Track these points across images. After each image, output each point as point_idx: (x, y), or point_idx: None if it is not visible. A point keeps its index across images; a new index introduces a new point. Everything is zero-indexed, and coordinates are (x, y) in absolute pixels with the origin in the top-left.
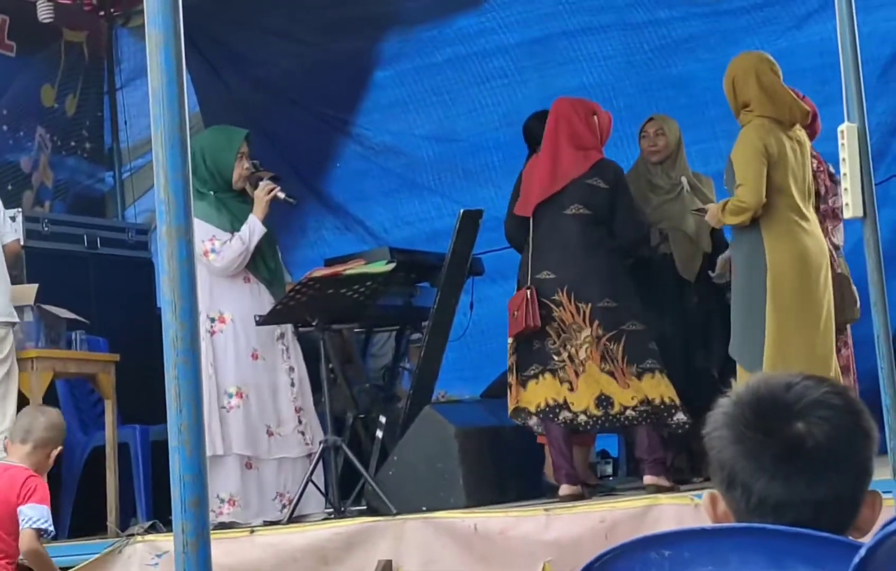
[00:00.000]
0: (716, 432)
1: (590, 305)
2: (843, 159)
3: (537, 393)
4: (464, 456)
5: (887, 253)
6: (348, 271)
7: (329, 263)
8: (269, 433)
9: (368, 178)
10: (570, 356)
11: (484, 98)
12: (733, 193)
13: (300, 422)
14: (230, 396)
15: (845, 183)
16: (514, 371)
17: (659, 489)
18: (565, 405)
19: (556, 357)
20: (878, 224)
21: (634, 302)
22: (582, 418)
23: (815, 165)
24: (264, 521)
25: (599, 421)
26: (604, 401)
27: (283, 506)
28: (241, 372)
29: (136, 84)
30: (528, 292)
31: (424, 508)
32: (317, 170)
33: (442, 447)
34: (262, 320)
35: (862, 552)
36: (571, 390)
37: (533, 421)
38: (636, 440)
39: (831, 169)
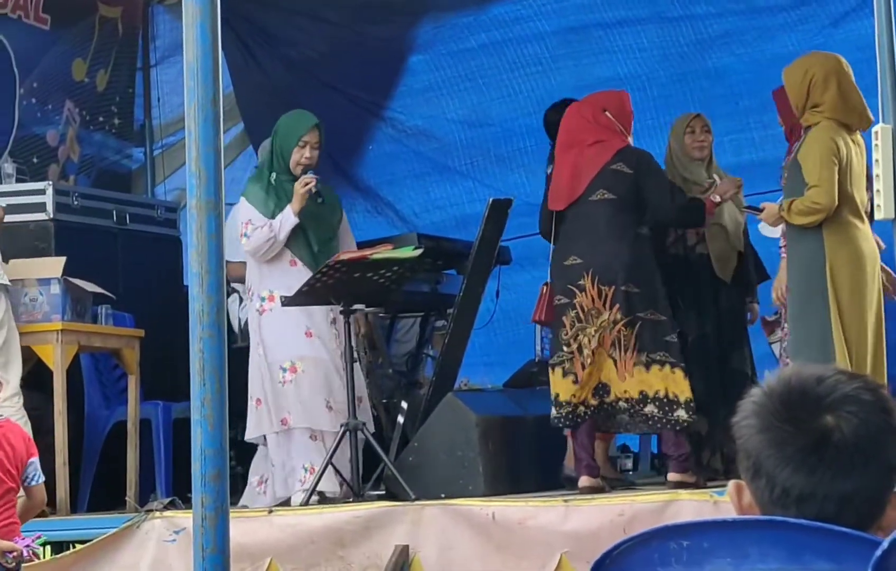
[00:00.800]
0: (744, 420)
1: (613, 288)
2: (877, 161)
3: (555, 384)
4: (484, 445)
5: None
6: (375, 256)
7: (358, 246)
8: (329, 408)
9: (400, 161)
10: (579, 347)
11: (518, 84)
12: (797, 193)
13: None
14: (284, 370)
15: (877, 184)
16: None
17: (681, 486)
18: (554, 403)
19: (564, 349)
20: None
21: (657, 292)
22: (581, 409)
23: None
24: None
25: (594, 411)
26: (600, 389)
27: (342, 483)
28: (295, 347)
29: (170, 61)
30: (545, 287)
31: (443, 495)
32: (349, 153)
33: (463, 434)
34: (288, 301)
35: (885, 545)
36: (576, 382)
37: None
38: (662, 436)
39: None
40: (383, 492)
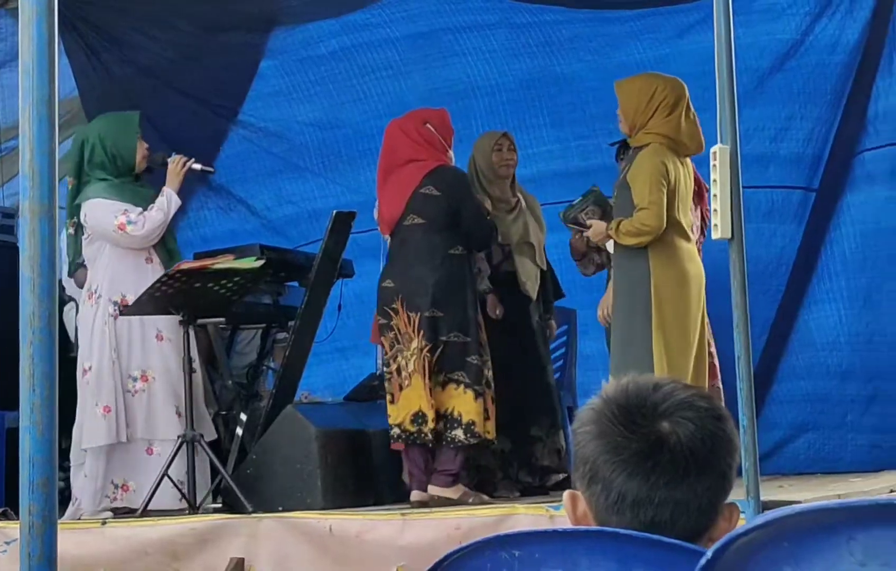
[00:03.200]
0: (582, 427)
1: (419, 314)
2: (715, 181)
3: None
4: (323, 458)
5: (751, 268)
6: (216, 266)
7: (198, 256)
8: (178, 414)
9: (252, 160)
10: (398, 368)
11: (368, 88)
12: (626, 213)
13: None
14: (135, 380)
15: (715, 204)
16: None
17: (445, 502)
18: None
19: (385, 368)
20: (745, 243)
21: (465, 314)
22: (395, 431)
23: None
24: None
25: (412, 437)
26: (419, 418)
27: (183, 496)
28: (145, 355)
29: (12, 66)
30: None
31: (281, 508)
32: (200, 155)
33: (302, 447)
34: (126, 311)
35: (708, 555)
36: (392, 402)
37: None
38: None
39: None
40: (220, 505)
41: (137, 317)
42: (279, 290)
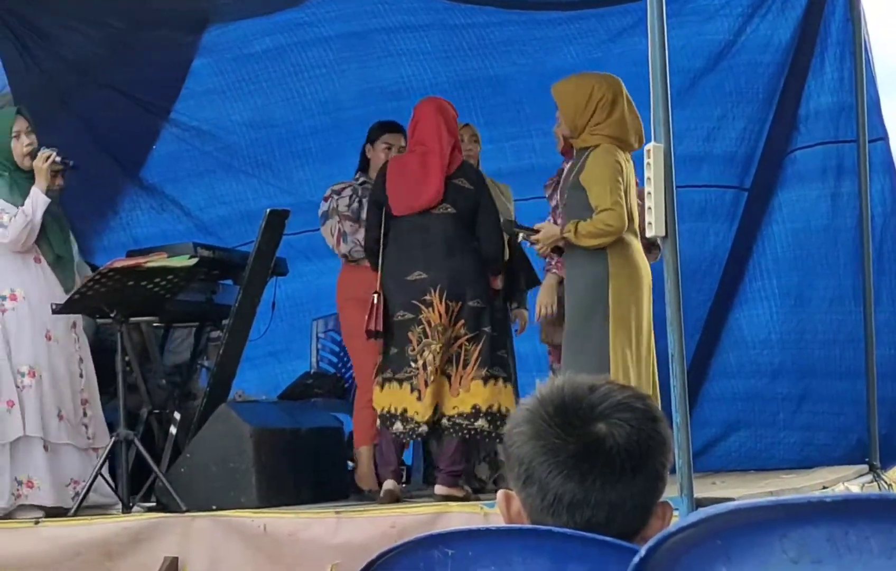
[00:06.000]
0: (516, 428)
1: (459, 303)
2: (649, 179)
3: (383, 398)
4: (258, 457)
5: (684, 267)
6: (150, 264)
7: (131, 254)
8: (60, 417)
9: (185, 160)
10: (424, 364)
11: (302, 87)
12: (580, 215)
13: (85, 414)
14: (23, 375)
15: (649, 202)
16: (379, 370)
17: (450, 500)
18: (401, 417)
19: (412, 365)
20: (679, 243)
21: (492, 307)
22: (423, 428)
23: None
24: (56, 509)
25: (415, 430)
26: (438, 411)
27: (76, 493)
28: (34, 352)
29: None
30: (376, 295)
31: (215, 507)
32: (132, 153)
33: (236, 446)
34: (59, 309)
35: (642, 552)
36: (419, 399)
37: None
38: (441, 447)
39: None
40: (154, 504)
41: (28, 313)
42: (213, 288)
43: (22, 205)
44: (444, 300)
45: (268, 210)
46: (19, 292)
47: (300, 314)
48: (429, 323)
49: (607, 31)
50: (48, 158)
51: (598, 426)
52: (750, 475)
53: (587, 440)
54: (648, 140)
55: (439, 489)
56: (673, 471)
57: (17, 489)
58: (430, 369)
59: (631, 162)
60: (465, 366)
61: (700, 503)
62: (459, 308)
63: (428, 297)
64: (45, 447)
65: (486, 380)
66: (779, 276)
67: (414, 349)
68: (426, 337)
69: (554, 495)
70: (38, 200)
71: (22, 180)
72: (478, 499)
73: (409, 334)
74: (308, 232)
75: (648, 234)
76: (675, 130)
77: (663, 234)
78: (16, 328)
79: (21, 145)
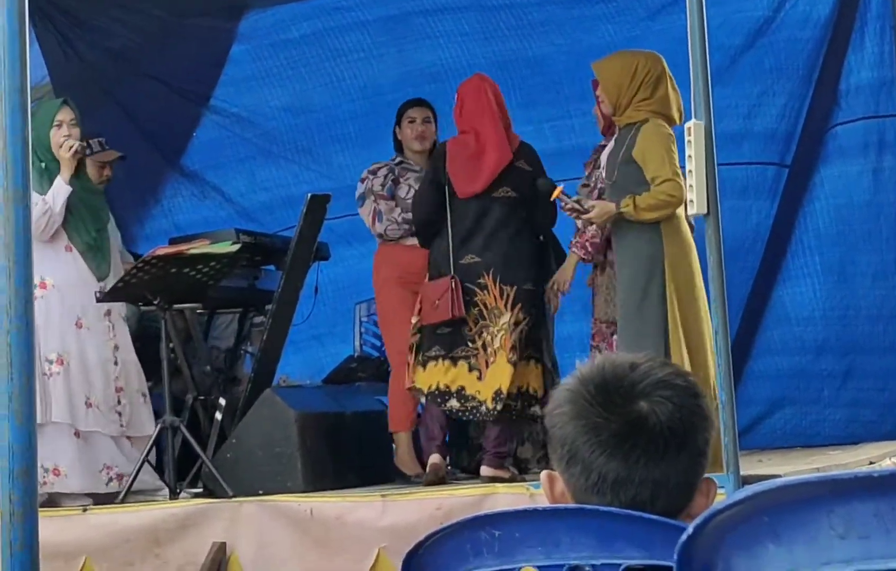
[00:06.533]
0: (558, 408)
1: (514, 288)
2: (690, 156)
3: (433, 375)
4: (303, 441)
5: (726, 245)
6: (192, 251)
7: (173, 241)
8: (88, 404)
9: (225, 146)
10: (483, 344)
11: (340, 72)
12: (633, 191)
13: (119, 402)
14: (51, 362)
15: (690, 180)
16: (415, 351)
17: (496, 481)
18: (457, 394)
19: (470, 345)
20: (721, 220)
21: (537, 288)
22: (483, 408)
23: None
24: (92, 494)
25: (492, 416)
26: (499, 396)
27: (111, 479)
28: (62, 339)
29: None
30: (453, 281)
31: (261, 491)
32: (173, 141)
33: (281, 431)
34: (103, 297)
35: (689, 530)
36: (480, 379)
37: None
38: (486, 428)
39: None
40: (200, 490)
41: (57, 301)
42: (255, 274)
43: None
44: (497, 284)
45: (309, 195)
46: (49, 281)
47: (343, 298)
48: (485, 305)
49: (646, 9)
50: (70, 147)
51: (639, 404)
52: (795, 452)
53: (630, 419)
54: (689, 118)
55: (485, 470)
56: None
57: (44, 477)
58: (489, 350)
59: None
60: (519, 352)
61: (746, 480)
62: (515, 293)
63: (482, 280)
64: (77, 434)
65: (528, 360)
66: (821, 252)
67: (471, 330)
68: (483, 319)
69: (598, 474)
70: (58, 189)
71: (52, 173)
72: (523, 480)
73: (468, 313)
74: (349, 216)
75: (690, 212)
76: (716, 108)
77: (705, 211)
78: (44, 316)
79: (59, 135)
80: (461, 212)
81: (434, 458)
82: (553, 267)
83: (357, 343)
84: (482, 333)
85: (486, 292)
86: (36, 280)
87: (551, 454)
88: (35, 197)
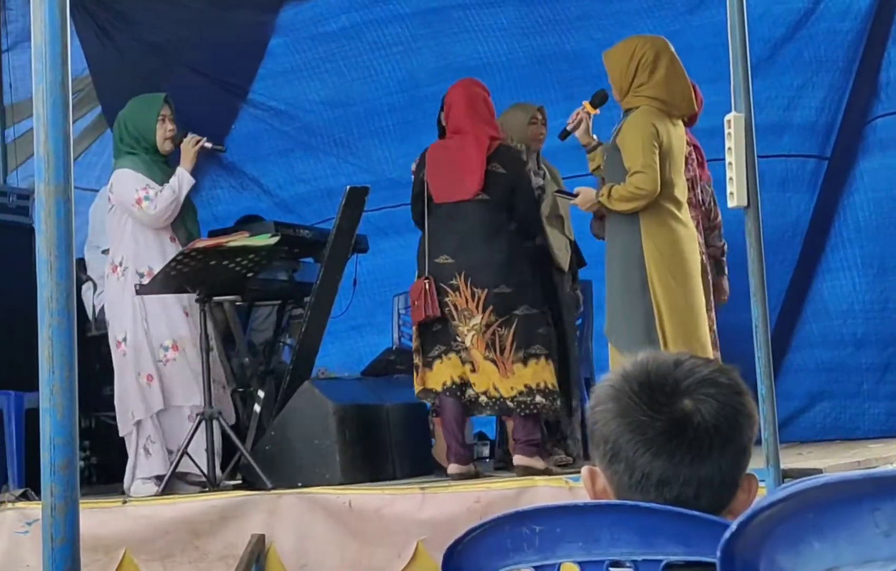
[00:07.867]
0: (600, 405)
1: (485, 290)
2: (730, 149)
3: (442, 372)
4: (341, 433)
5: (766, 238)
6: (231, 243)
7: (213, 234)
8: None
9: (264, 139)
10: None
11: (378, 65)
12: (617, 179)
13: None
14: (166, 349)
15: (730, 172)
16: (420, 353)
17: (529, 471)
18: (470, 384)
19: (458, 339)
20: (761, 212)
21: (530, 287)
22: (483, 399)
23: (688, 151)
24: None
25: (495, 403)
26: (495, 388)
27: (202, 473)
28: (174, 326)
29: (24, 47)
30: (427, 282)
31: (300, 484)
32: (212, 133)
33: (320, 423)
34: (143, 289)
35: (733, 527)
36: (473, 371)
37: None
38: (513, 422)
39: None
40: (240, 482)
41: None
42: (294, 266)
43: (158, 182)
44: (469, 286)
45: (348, 187)
46: (157, 270)
47: (381, 290)
48: (455, 306)
49: (685, 3)
50: (197, 142)
51: (684, 402)
52: (835, 445)
53: (675, 417)
54: (728, 110)
55: (518, 459)
56: (758, 443)
57: (171, 458)
58: (471, 349)
59: (680, 128)
60: (502, 352)
61: (787, 473)
62: (486, 295)
63: (454, 281)
64: (191, 418)
65: (525, 361)
66: (861, 245)
67: (456, 323)
68: (454, 320)
69: (642, 472)
70: (184, 178)
71: (158, 163)
72: (563, 472)
73: (446, 311)
74: (387, 208)
75: (730, 204)
76: (755, 100)
77: (745, 204)
78: (153, 305)
79: (164, 130)
80: (437, 213)
81: (453, 469)
82: (553, 267)
83: (395, 335)
84: (460, 329)
85: (457, 293)
86: (143, 269)
87: (593, 451)
88: (153, 184)
